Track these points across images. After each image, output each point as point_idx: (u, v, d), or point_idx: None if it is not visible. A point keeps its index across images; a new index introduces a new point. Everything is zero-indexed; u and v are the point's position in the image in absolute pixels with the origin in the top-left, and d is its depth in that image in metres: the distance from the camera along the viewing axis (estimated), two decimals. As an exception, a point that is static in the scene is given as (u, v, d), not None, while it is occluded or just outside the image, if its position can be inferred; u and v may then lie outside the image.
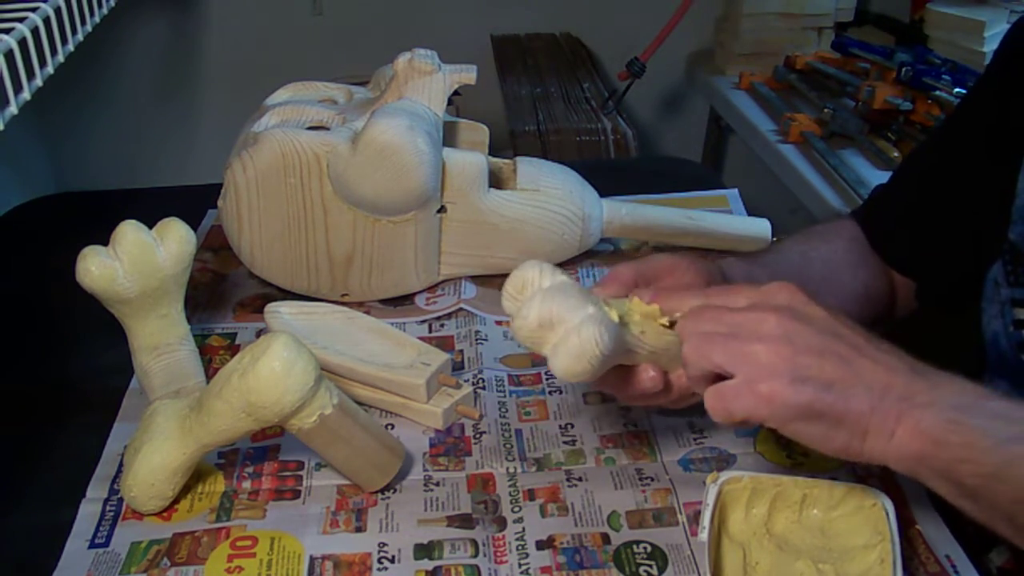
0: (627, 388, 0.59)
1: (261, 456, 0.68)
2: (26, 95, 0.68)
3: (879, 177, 1.18)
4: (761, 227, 0.92)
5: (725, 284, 0.66)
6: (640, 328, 0.55)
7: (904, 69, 1.27)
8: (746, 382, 0.49)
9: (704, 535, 0.55)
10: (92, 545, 0.61)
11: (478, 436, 0.70)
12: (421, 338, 0.76)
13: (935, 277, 0.76)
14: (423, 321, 0.84)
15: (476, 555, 0.59)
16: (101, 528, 0.62)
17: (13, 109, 0.66)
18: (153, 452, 0.61)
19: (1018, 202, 0.65)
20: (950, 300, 0.77)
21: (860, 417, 0.48)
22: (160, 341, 0.70)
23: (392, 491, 0.65)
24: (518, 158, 0.88)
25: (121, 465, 0.66)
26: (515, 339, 0.56)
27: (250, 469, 0.67)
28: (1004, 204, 0.66)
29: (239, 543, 0.61)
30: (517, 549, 0.60)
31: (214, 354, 0.80)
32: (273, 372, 0.55)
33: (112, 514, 0.63)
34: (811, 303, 0.53)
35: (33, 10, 0.72)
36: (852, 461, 0.55)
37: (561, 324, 0.52)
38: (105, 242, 0.67)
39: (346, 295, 0.84)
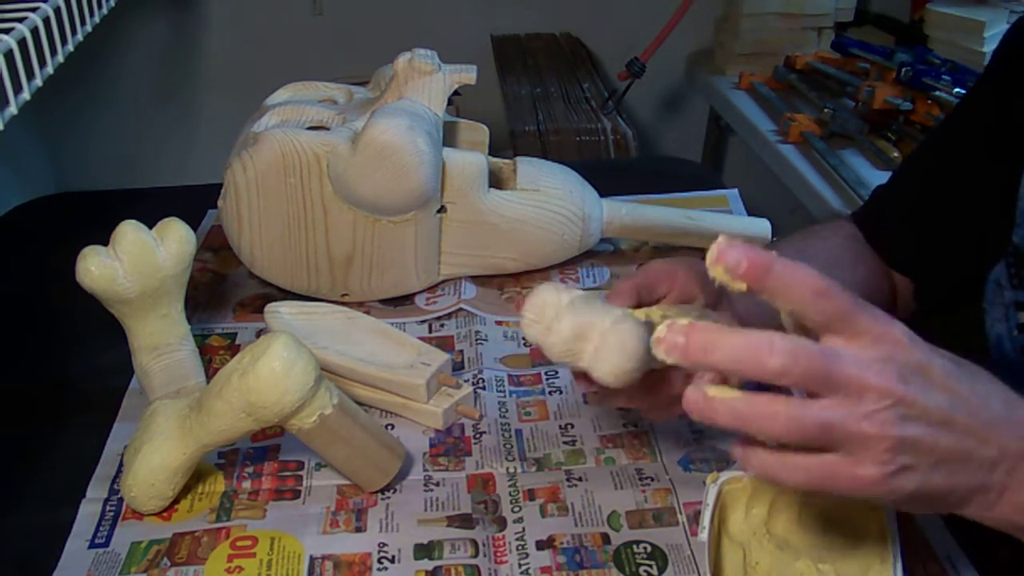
0: (658, 393, 0.57)
1: (261, 456, 0.68)
2: (26, 95, 0.68)
3: (879, 177, 1.18)
4: (761, 227, 0.92)
5: (722, 290, 0.65)
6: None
7: (904, 69, 1.27)
8: (842, 462, 0.43)
9: (704, 535, 0.55)
10: (92, 545, 0.61)
11: (478, 436, 0.70)
12: (421, 338, 0.76)
13: (935, 278, 0.76)
14: (423, 321, 0.84)
15: (476, 555, 0.59)
16: (101, 528, 0.62)
17: (13, 109, 0.66)
18: (153, 452, 0.61)
19: (1021, 204, 0.65)
20: (950, 301, 0.77)
21: (964, 492, 0.45)
22: (160, 341, 0.70)
23: (392, 491, 0.65)
24: (518, 158, 0.88)
25: (121, 465, 0.66)
26: (550, 358, 0.54)
27: (250, 469, 0.67)
28: (1006, 206, 0.65)
29: (239, 543, 0.61)
30: (517, 549, 0.60)
31: (214, 354, 0.80)
32: (273, 372, 0.55)
33: (112, 514, 0.63)
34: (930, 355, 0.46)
35: (33, 10, 0.72)
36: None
37: (594, 330, 0.51)
38: (105, 242, 0.67)
39: (346, 295, 0.84)
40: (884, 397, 0.42)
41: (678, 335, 0.43)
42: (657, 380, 0.57)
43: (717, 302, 0.62)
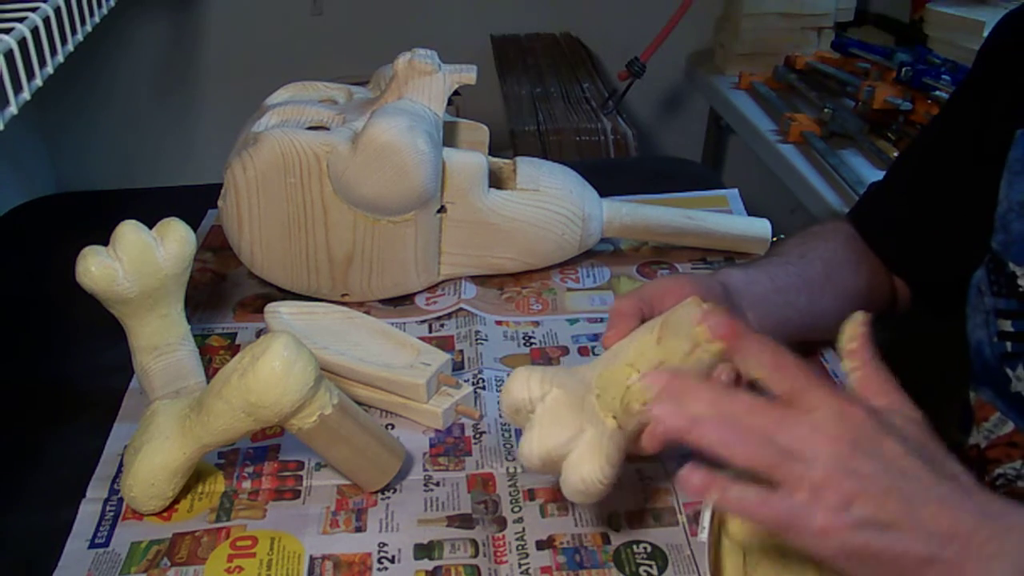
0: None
1: (261, 456, 0.68)
2: (26, 95, 0.68)
3: (879, 177, 1.17)
4: (761, 227, 0.92)
5: (729, 301, 0.65)
6: (644, 405, 0.54)
7: (904, 69, 1.27)
8: (794, 505, 0.44)
9: (704, 535, 0.55)
10: (92, 545, 0.61)
11: (478, 436, 0.70)
12: (421, 338, 0.76)
13: (924, 280, 0.76)
14: (423, 321, 0.84)
15: (476, 555, 0.59)
16: (101, 528, 0.62)
17: (13, 109, 0.66)
18: (153, 452, 0.61)
19: (1000, 209, 0.64)
20: (940, 304, 0.77)
21: (918, 564, 0.44)
22: (160, 341, 0.70)
23: (392, 491, 0.65)
24: (518, 158, 0.88)
25: (121, 465, 0.66)
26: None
27: (250, 469, 0.67)
28: (988, 209, 0.65)
29: (239, 543, 0.61)
30: (517, 549, 0.60)
31: (214, 354, 0.80)
32: (273, 372, 0.55)
33: (112, 514, 0.63)
34: (888, 395, 0.49)
35: (33, 10, 0.72)
36: None
37: (562, 458, 0.54)
38: (105, 242, 0.67)
39: (346, 295, 0.84)
40: (837, 450, 0.45)
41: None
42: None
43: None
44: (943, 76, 1.24)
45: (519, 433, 0.70)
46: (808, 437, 0.45)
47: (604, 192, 0.90)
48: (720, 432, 0.46)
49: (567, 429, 0.53)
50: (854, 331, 0.51)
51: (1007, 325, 0.63)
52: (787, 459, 0.45)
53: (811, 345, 0.78)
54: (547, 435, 0.54)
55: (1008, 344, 0.63)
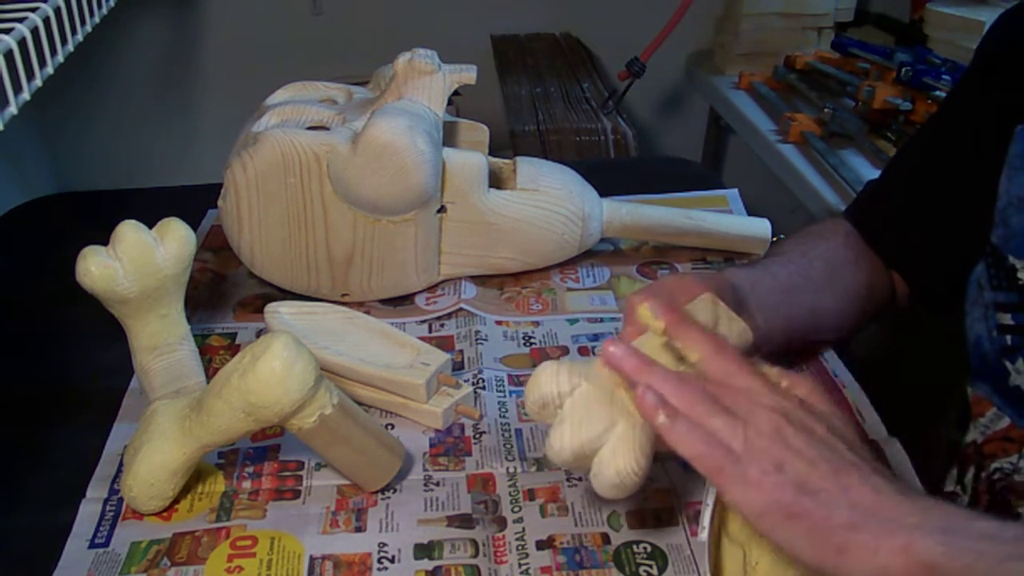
0: None
1: (261, 456, 0.68)
2: (26, 95, 0.68)
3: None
4: (761, 227, 0.92)
5: (736, 300, 0.65)
6: None
7: (904, 69, 1.27)
8: (730, 454, 0.48)
9: (704, 535, 0.55)
10: (92, 545, 0.61)
11: (478, 436, 0.70)
12: (421, 338, 0.76)
13: (923, 276, 0.76)
14: (423, 321, 0.84)
15: (476, 555, 0.59)
16: (101, 528, 0.62)
17: (13, 109, 0.66)
18: (153, 452, 0.61)
19: (1000, 203, 0.64)
20: (940, 300, 0.77)
21: (841, 529, 0.45)
22: (160, 341, 0.69)
23: (392, 491, 0.65)
24: (518, 158, 0.88)
25: (121, 465, 0.66)
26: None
27: (250, 469, 0.67)
28: (988, 204, 0.65)
29: (239, 543, 0.61)
30: (517, 549, 0.60)
31: (214, 354, 0.80)
32: (273, 372, 0.55)
33: (112, 514, 0.63)
34: (824, 405, 0.52)
35: (33, 10, 0.72)
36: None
37: (594, 452, 0.52)
38: (105, 242, 0.67)
39: (346, 295, 0.84)
40: (772, 417, 0.49)
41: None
42: None
43: (736, 312, 0.62)
44: (943, 76, 1.24)
45: (519, 433, 0.70)
46: (746, 403, 0.50)
47: (604, 192, 0.90)
48: (670, 385, 0.50)
49: (599, 423, 0.52)
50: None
51: (1007, 319, 0.64)
52: (727, 414, 0.49)
53: (813, 345, 0.78)
54: (579, 430, 0.52)
55: (1008, 338, 0.64)
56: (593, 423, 0.53)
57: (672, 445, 0.49)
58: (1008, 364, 0.64)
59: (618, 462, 0.52)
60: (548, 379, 0.54)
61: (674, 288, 0.62)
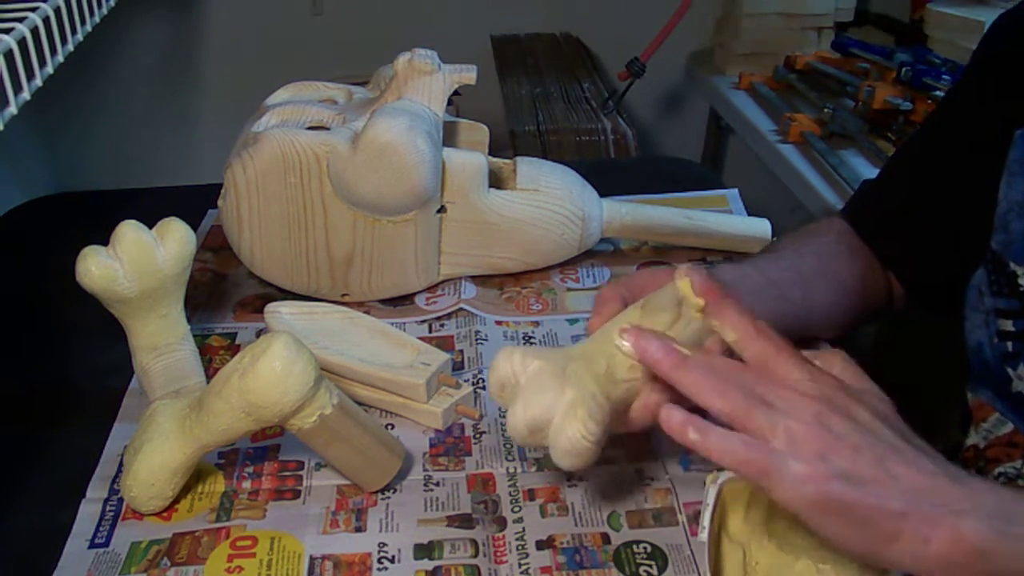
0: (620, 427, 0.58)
1: (261, 456, 0.68)
2: (26, 95, 0.68)
3: (879, 177, 1.18)
4: (761, 227, 0.92)
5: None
6: (630, 372, 0.56)
7: (904, 69, 1.27)
8: (773, 453, 0.46)
9: (704, 535, 0.55)
10: (92, 545, 0.61)
11: (478, 436, 0.70)
12: (421, 338, 0.76)
13: (918, 277, 0.76)
14: (423, 321, 0.84)
15: (476, 555, 0.59)
16: (101, 528, 0.62)
17: (13, 109, 0.66)
18: (153, 452, 0.61)
19: (1000, 209, 0.64)
20: (936, 303, 0.76)
21: (892, 518, 0.45)
22: (160, 341, 0.70)
23: (392, 491, 0.65)
24: (518, 158, 0.88)
25: (121, 465, 0.66)
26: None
27: (250, 469, 0.67)
28: (988, 209, 0.65)
29: (239, 543, 0.61)
30: (517, 549, 0.60)
31: (214, 354, 0.80)
32: (273, 372, 0.55)
33: (112, 514, 0.63)
34: (861, 381, 0.52)
35: (33, 10, 0.72)
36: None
37: (548, 423, 0.53)
38: (105, 242, 0.67)
39: (346, 295, 0.84)
40: (813, 406, 0.47)
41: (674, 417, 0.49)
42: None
43: None
44: (943, 76, 1.24)
45: (519, 433, 0.70)
46: (785, 393, 0.48)
47: (604, 192, 0.90)
48: (704, 376, 0.49)
49: (550, 394, 0.53)
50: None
51: (1008, 325, 0.63)
52: (766, 408, 0.47)
53: (806, 342, 0.78)
54: (530, 403, 0.54)
55: (1009, 344, 0.63)
56: (544, 395, 0.53)
57: (711, 459, 0.48)
58: (1010, 371, 0.64)
59: (568, 429, 0.52)
60: (504, 362, 0.56)
61: (650, 278, 0.63)
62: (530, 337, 0.82)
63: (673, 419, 0.48)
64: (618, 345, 0.55)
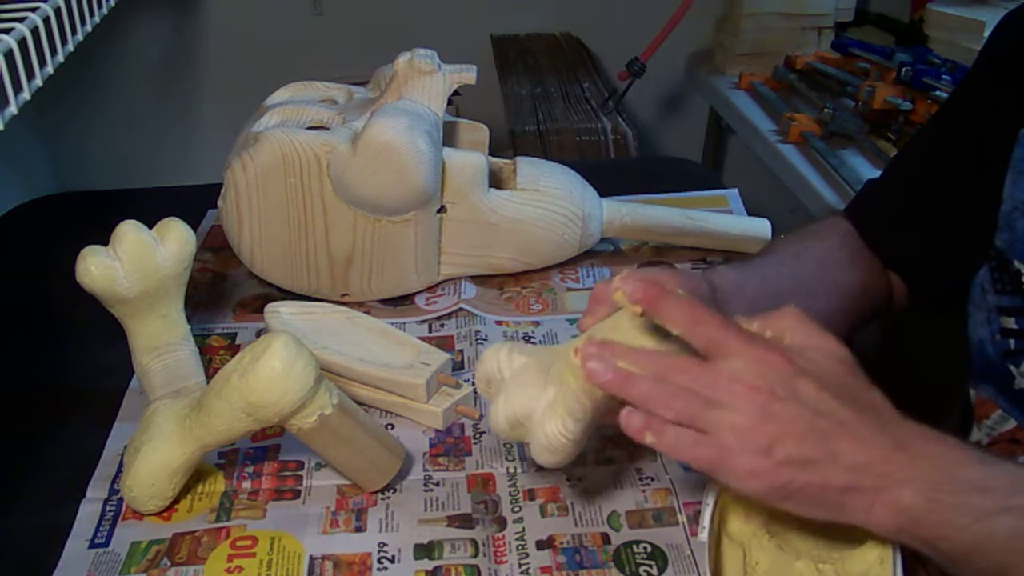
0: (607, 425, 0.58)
1: (261, 456, 0.68)
2: (26, 95, 0.68)
3: (879, 177, 1.18)
4: (761, 227, 0.92)
5: (713, 300, 0.65)
6: None
7: (904, 69, 1.27)
8: (722, 448, 0.49)
9: (704, 535, 0.55)
10: (92, 545, 0.61)
11: (478, 436, 0.70)
12: (421, 338, 0.76)
13: (922, 276, 0.76)
14: (423, 321, 0.84)
15: (476, 555, 0.59)
16: (101, 528, 0.62)
17: (13, 109, 0.66)
18: (153, 452, 0.61)
19: (1004, 208, 0.64)
20: (939, 302, 0.76)
21: (835, 494, 0.49)
22: (160, 341, 0.70)
23: (392, 491, 0.65)
24: (518, 158, 0.88)
25: (121, 465, 0.66)
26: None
27: (250, 469, 0.67)
28: (992, 208, 0.65)
29: (239, 543, 0.61)
30: (517, 549, 0.60)
31: (214, 354, 0.80)
32: (273, 372, 0.55)
33: (112, 514, 0.63)
34: (815, 339, 0.52)
35: (33, 10, 0.72)
36: None
37: (528, 419, 0.54)
38: (105, 242, 0.67)
39: (346, 295, 0.84)
40: (755, 398, 0.49)
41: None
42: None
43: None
44: (943, 76, 1.24)
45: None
46: (728, 387, 0.50)
47: (604, 192, 0.90)
48: (648, 387, 0.50)
49: (531, 390, 0.54)
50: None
51: (1011, 322, 0.64)
52: (710, 409, 0.49)
53: None
54: (512, 399, 0.54)
55: (1011, 341, 0.64)
56: (526, 391, 0.54)
57: (671, 456, 0.50)
58: (1012, 368, 0.64)
59: (546, 426, 0.53)
60: (491, 357, 0.57)
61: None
62: (530, 337, 0.82)
63: (632, 423, 0.50)
64: (571, 362, 0.55)
